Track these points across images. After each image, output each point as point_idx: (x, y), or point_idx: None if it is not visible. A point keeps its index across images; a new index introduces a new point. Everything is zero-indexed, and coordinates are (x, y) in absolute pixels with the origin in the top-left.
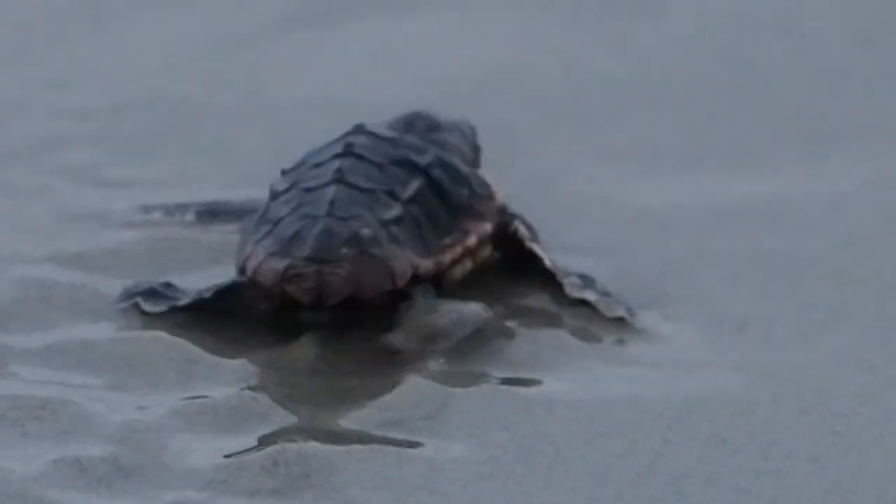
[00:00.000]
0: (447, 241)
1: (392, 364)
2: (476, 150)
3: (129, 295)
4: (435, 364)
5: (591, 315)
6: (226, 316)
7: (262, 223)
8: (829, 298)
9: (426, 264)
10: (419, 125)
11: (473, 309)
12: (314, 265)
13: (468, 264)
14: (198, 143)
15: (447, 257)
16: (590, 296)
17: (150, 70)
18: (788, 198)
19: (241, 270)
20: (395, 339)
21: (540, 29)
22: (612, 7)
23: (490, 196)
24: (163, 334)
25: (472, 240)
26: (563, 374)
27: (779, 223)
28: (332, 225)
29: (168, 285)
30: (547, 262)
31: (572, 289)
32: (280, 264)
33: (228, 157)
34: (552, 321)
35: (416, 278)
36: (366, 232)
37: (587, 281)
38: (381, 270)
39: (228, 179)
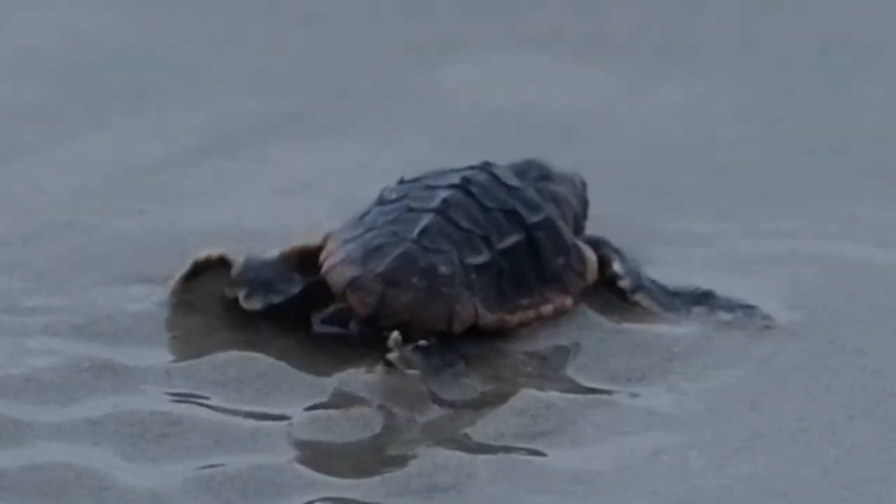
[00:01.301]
0: (523, 302)
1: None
2: (585, 203)
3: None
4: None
5: None
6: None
7: (358, 225)
8: (743, 426)
9: (490, 318)
10: (532, 172)
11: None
12: (381, 283)
13: (535, 324)
14: (109, 272)
15: (516, 318)
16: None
17: (61, 197)
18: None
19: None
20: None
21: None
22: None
23: (583, 273)
24: (290, 348)
25: (548, 309)
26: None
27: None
28: (414, 251)
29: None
30: (650, 306)
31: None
32: (351, 272)
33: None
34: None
35: (475, 328)
36: (443, 269)
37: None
38: (442, 309)
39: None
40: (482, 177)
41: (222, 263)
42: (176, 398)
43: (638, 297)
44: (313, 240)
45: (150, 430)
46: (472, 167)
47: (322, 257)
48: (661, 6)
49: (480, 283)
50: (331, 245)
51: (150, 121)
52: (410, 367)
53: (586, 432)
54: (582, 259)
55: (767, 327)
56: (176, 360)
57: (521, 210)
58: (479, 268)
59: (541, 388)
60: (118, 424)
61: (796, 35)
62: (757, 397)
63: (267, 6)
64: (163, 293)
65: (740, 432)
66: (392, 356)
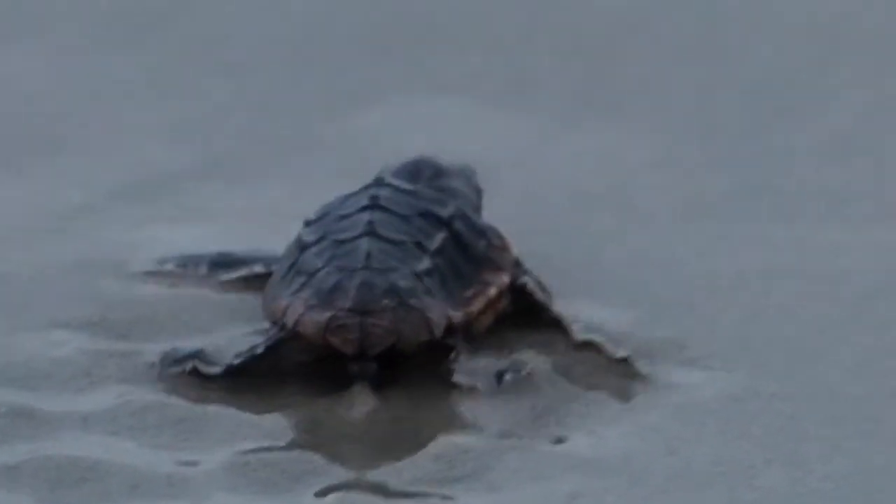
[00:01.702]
0: (470, 292)
1: (445, 413)
2: (479, 193)
3: (179, 359)
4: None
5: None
6: (263, 374)
7: (296, 275)
8: (660, 469)
9: (458, 315)
10: (425, 172)
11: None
12: (357, 316)
13: (490, 316)
14: (28, 318)
15: (473, 308)
16: (595, 338)
17: None
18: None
19: (281, 323)
20: (461, 377)
21: None
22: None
23: (505, 247)
24: (210, 393)
25: (492, 291)
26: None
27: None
28: (370, 277)
29: (199, 351)
30: (553, 313)
31: (578, 334)
32: (323, 316)
33: (62, 333)
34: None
35: (450, 329)
36: (403, 284)
37: (593, 329)
38: (419, 321)
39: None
40: (384, 191)
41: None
42: (94, 444)
43: (527, 280)
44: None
45: (68, 476)
46: (368, 185)
47: (276, 317)
48: (582, 53)
49: (433, 286)
50: (279, 304)
51: (70, 167)
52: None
53: (503, 477)
54: (499, 235)
55: (625, 359)
56: (93, 406)
57: (434, 208)
58: (427, 273)
59: (457, 433)
60: (36, 470)
61: (715, 84)
62: (673, 441)
63: (185, 53)
64: (82, 339)
65: (657, 476)
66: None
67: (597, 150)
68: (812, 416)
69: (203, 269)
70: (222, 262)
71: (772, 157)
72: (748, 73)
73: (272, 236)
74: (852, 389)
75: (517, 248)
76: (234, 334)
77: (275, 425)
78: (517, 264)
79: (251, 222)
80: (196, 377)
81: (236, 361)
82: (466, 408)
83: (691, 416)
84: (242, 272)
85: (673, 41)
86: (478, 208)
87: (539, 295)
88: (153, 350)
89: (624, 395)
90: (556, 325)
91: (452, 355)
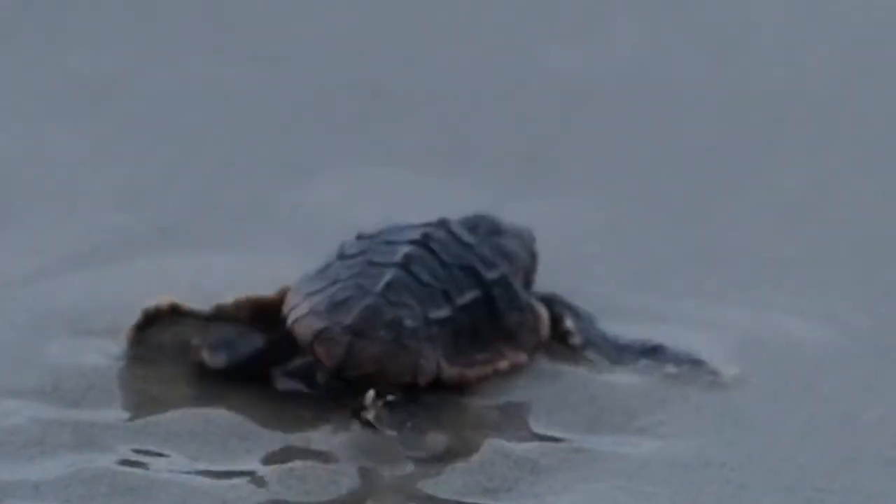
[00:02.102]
0: (480, 357)
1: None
2: (534, 257)
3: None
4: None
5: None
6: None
7: (320, 279)
8: None
9: (451, 372)
10: (483, 227)
11: None
12: (348, 335)
13: (491, 379)
14: None
15: (474, 373)
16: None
17: None
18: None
19: (286, 315)
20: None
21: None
22: None
23: (536, 330)
24: (161, 461)
25: (504, 365)
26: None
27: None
28: (380, 304)
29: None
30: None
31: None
32: (318, 324)
33: (14, 401)
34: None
35: (438, 382)
36: (408, 322)
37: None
38: (407, 362)
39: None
40: (440, 233)
41: (174, 312)
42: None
43: (589, 353)
44: (268, 293)
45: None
46: (429, 223)
47: (285, 310)
48: (526, 123)
49: (441, 337)
50: (293, 298)
51: (20, 234)
52: (384, 425)
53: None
54: (536, 316)
55: (715, 382)
56: (45, 474)
57: (479, 267)
58: (441, 322)
59: (503, 441)
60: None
61: (660, 153)
62: None
63: (136, 120)
64: (33, 408)
65: None
66: (368, 415)
67: (542, 219)
68: (762, 485)
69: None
70: None
71: (717, 227)
72: (693, 141)
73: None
74: (802, 458)
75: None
76: (187, 407)
77: (316, 437)
78: (559, 301)
79: (201, 289)
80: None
81: (241, 355)
82: (510, 416)
83: (642, 485)
84: None
85: (617, 111)
86: (529, 273)
87: (583, 346)
88: (105, 417)
89: (574, 464)
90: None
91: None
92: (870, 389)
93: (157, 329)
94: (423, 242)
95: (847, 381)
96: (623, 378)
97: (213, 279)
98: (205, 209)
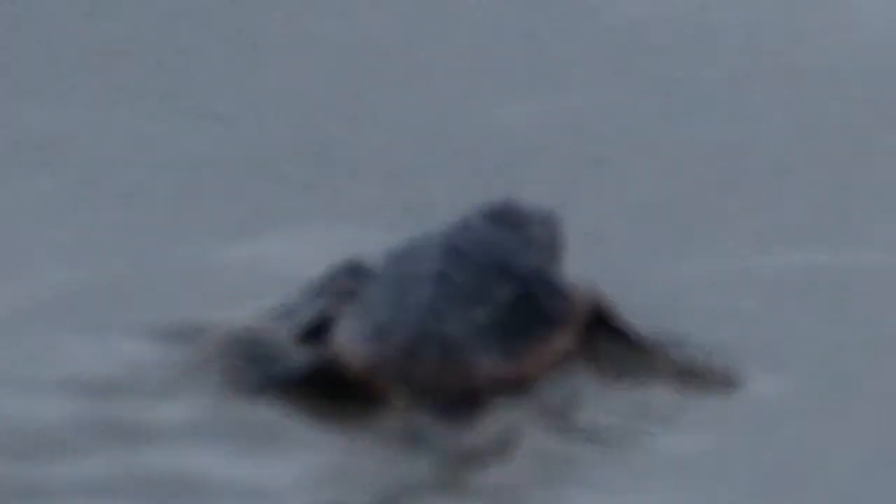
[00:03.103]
0: (530, 348)
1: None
2: (561, 241)
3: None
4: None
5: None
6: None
7: (360, 305)
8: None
9: (506, 370)
10: (507, 217)
11: None
12: (399, 356)
13: (547, 369)
14: None
15: (527, 365)
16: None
17: None
18: None
19: (330, 348)
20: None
21: None
22: None
23: (575, 309)
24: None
25: (553, 350)
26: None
27: None
28: (423, 321)
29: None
30: (634, 336)
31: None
32: (367, 351)
33: None
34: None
35: (497, 381)
36: (455, 332)
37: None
38: (461, 373)
39: None
40: (468, 235)
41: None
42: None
43: (627, 325)
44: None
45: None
46: (453, 226)
47: (330, 338)
48: (478, 177)
49: (489, 339)
50: (338, 325)
51: None
52: (412, 423)
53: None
54: (572, 296)
55: (732, 385)
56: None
57: (511, 261)
58: (486, 324)
59: (550, 435)
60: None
61: (613, 207)
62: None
63: (84, 177)
64: None
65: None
66: (399, 413)
67: None
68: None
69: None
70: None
71: (667, 284)
72: (644, 197)
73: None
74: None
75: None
76: (131, 457)
77: (363, 436)
78: (591, 285)
79: (149, 342)
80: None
81: (281, 378)
82: (559, 411)
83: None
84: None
85: (568, 167)
86: (557, 258)
87: (617, 322)
88: (54, 472)
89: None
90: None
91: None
92: None
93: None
94: (453, 247)
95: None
96: (655, 372)
97: (161, 332)
98: (153, 263)
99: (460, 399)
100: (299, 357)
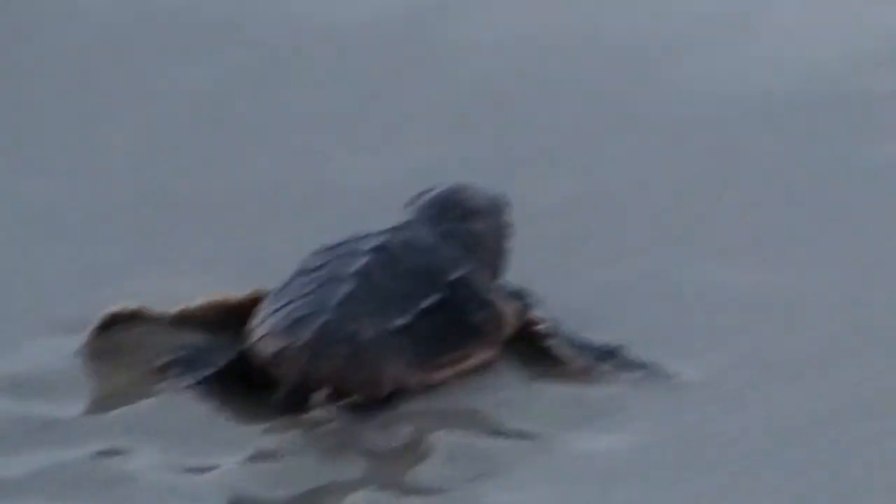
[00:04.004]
0: (447, 359)
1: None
2: (506, 228)
3: (166, 365)
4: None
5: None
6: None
7: (282, 296)
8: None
9: (415, 379)
10: (452, 211)
11: None
12: (306, 353)
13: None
14: None
15: (440, 376)
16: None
17: None
18: None
19: (249, 337)
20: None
21: None
22: None
23: (501, 326)
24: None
25: (471, 363)
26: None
27: None
28: (336, 319)
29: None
30: (563, 353)
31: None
32: (277, 343)
33: None
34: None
35: (401, 390)
36: (366, 334)
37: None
38: (367, 375)
39: None
40: (400, 237)
41: (136, 317)
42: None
43: (553, 342)
44: (237, 296)
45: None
46: (393, 228)
47: (249, 328)
48: (322, 231)
49: (404, 344)
50: (255, 318)
51: None
52: (333, 421)
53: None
54: (500, 312)
55: (673, 383)
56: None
57: (439, 268)
58: (402, 329)
59: (469, 434)
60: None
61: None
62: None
63: None
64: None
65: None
66: (315, 413)
67: None
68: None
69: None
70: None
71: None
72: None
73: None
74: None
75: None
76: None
77: (278, 435)
78: (527, 293)
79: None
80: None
81: (206, 373)
82: (475, 410)
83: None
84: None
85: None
86: (501, 252)
87: (548, 334)
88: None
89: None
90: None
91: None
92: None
93: (119, 330)
94: (383, 249)
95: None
96: (585, 377)
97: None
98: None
99: (370, 399)
100: (217, 350)
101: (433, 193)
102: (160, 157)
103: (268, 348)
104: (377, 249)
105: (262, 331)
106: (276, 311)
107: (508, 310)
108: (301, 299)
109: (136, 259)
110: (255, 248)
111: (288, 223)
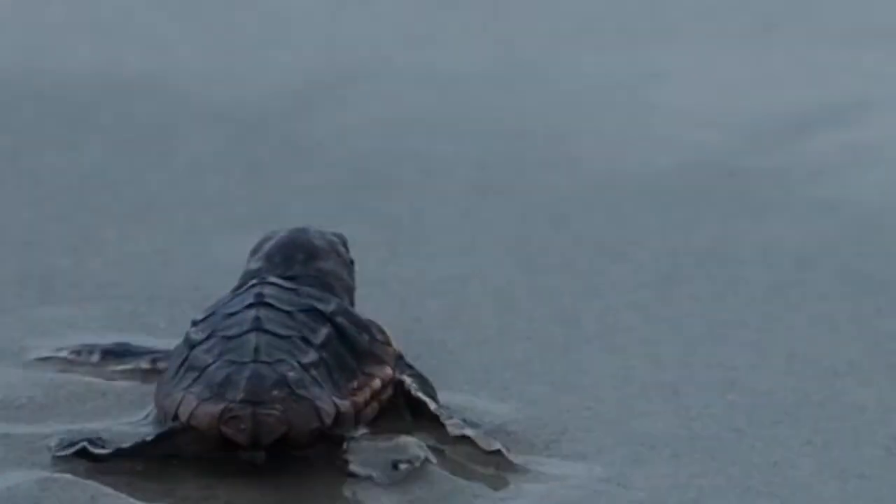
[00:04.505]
0: (355, 383)
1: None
2: (351, 266)
3: (71, 442)
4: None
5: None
6: (159, 462)
7: (188, 370)
8: None
9: (346, 404)
10: (299, 255)
11: (411, 440)
12: (249, 407)
13: (376, 406)
14: None
15: (359, 399)
16: (469, 432)
17: None
18: None
19: (174, 416)
20: (356, 467)
21: None
22: None
23: (387, 342)
24: (92, 483)
25: (376, 383)
26: None
27: None
28: (260, 369)
29: (98, 438)
30: (432, 407)
31: (454, 428)
32: (216, 408)
33: None
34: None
35: (338, 418)
36: (292, 375)
37: (470, 422)
38: (309, 410)
39: None
40: (270, 289)
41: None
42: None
43: (420, 395)
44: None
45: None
46: (253, 284)
47: (170, 413)
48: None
49: (321, 378)
50: (172, 399)
51: None
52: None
53: None
54: (380, 329)
55: (498, 451)
56: None
57: (314, 306)
58: (314, 365)
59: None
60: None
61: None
62: None
63: None
64: None
65: None
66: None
67: None
68: None
69: (96, 358)
70: (115, 353)
71: None
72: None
73: None
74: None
75: (399, 343)
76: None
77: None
78: (399, 357)
79: None
80: (86, 459)
81: (126, 445)
82: (360, 497)
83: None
84: (130, 365)
85: None
86: (350, 285)
87: (417, 391)
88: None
89: (499, 484)
90: (434, 419)
91: (345, 445)
92: None
93: None
94: (261, 302)
95: None
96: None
97: None
98: None
99: (311, 440)
100: (145, 432)
101: (275, 241)
102: (37, 235)
103: (209, 413)
104: (257, 303)
105: (192, 403)
106: (193, 383)
107: (385, 327)
108: (212, 365)
109: (11, 338)
110: (135, 327)
111: (166, 301)
